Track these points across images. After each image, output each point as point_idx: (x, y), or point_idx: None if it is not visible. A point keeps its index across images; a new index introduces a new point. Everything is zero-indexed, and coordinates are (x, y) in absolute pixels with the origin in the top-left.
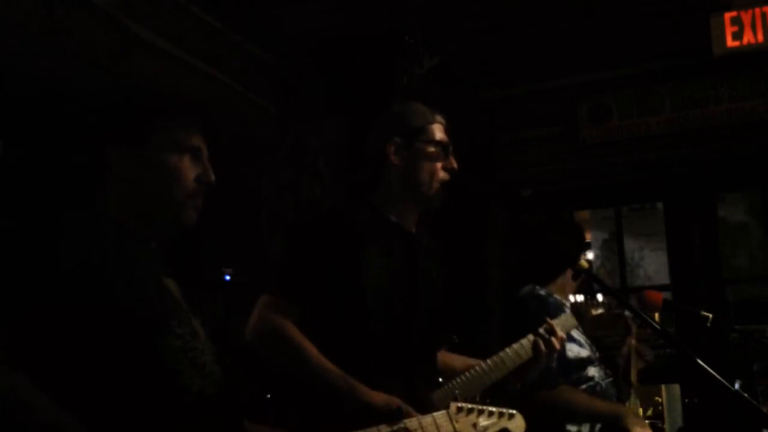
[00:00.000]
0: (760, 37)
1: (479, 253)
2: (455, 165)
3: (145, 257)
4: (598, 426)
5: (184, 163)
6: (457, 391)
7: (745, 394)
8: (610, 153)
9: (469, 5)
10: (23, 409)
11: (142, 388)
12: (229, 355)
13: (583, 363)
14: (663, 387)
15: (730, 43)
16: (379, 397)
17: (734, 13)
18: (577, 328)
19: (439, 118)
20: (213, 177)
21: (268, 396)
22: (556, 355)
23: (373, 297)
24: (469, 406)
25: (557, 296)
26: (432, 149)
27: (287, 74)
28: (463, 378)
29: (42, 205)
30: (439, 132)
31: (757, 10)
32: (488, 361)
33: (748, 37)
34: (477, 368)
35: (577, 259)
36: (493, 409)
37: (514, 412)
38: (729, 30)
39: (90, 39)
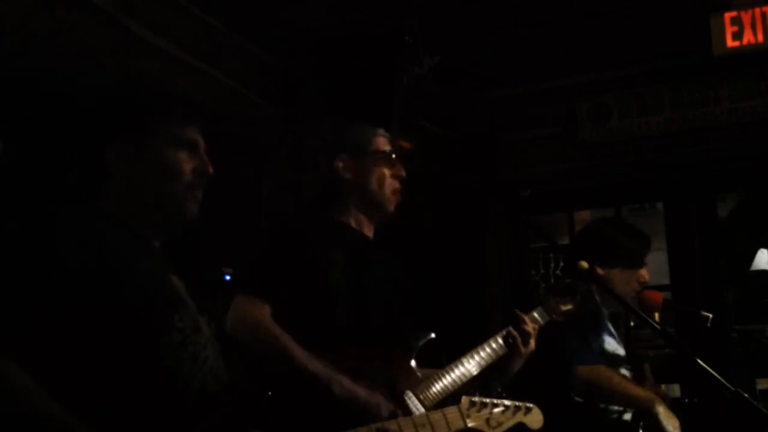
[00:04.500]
0: (760, 37)
1: (479, 253)
2: (403, 172)
3: (147, 255)
4: (627, 412)
5: (181, 156)
6: (437, 388)
7: (746, 395)
8: (610, 153)
9: (469, 5)
10: (16, 400)
11: (142, 383)
12: (233, 353)
13: (618, 360)
14: (663, 387)
15: (730, 43)
16: (362, 389)
17: (734, 13)
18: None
19: (380, 131)
20: (210, 169)
21: (269, 393)
22: (530, 348)
23: (336, 297)
24: (483, 400)
25: (597, 297)
26: (379, 160)
27: (287, 74)
28: (444, 376)
29: (42, 205)
30: (383, 144)
31: (757, 10)
32: (463, 359)
33: (748, 37)
34: (454, 367)
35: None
36: (509, 402)
37: (531, 405)
38: (729, 30)
39: (90, 39)
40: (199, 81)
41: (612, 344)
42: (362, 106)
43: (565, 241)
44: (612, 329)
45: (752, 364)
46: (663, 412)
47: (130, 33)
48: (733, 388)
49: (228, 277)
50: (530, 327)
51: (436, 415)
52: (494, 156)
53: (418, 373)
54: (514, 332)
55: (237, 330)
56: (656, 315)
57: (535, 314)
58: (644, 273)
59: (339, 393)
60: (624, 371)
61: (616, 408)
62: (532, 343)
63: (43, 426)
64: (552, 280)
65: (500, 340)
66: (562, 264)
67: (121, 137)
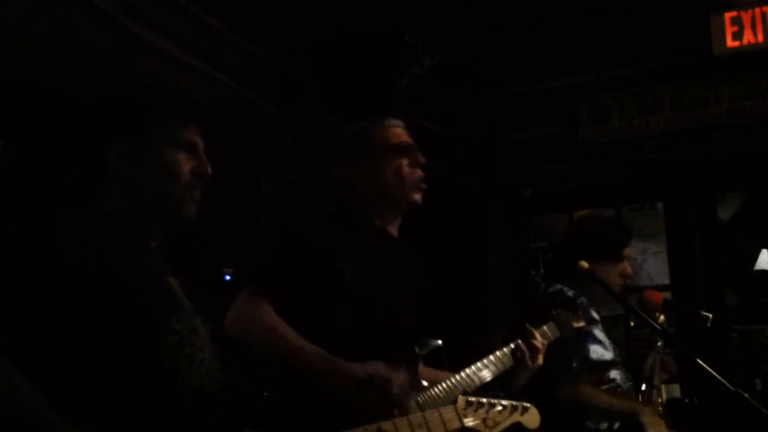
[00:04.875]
0: (760, 37)
1: (479, 253)
2: (421, 159)
3: (145, 255)
4: (616, 424)
5: (180, 156)
6: (442, 394)
7: (745, 394)
8: (610, 153)
9: (469, 5)
10: (5, 401)
11: (140, 385)
12: (229, 354)
13: (605, 365)
14: (663, 387)
15: (730, 43)
16: (359, 368)
17: (734, 13)
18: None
19: (393, 122)
20: (209, 169)
21: (265, 394)
22: (537, 363)
23: (351, 297)
24: (480, 399)
25: (584, 298)
26: (393, 154)
27: (287, 74)
28: (446, 384)
29: (42, 205)
30: (393, 136)
31: (757, 10)
32: (469, 369)
33: (748, 37)
34: (458, 376)
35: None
36: (506, 402)
37: (528, 405)
38: (729, 30)
39: (90, 39)
40: (199, 81)
41: (598, 351)
42: (362, 107)
43: None
44: (598, 335)
45: (752, 364)
46: (648, 421)
47: (130, 33)
48: (733, 388)
49: (228, 277)
50: (539, 342)
51: (433, 415)
52: (494, 156)
53: (423, 382)
54: (523, 346)
55: (232, 324)
56: (661, 316)
57: (546, 329)
58: (626, 266)
59: (336, 380)
60: (615, 374)
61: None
62: (540, 358)
63: (31, 428)
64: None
65: (508, 353)
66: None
67: (121, 137)
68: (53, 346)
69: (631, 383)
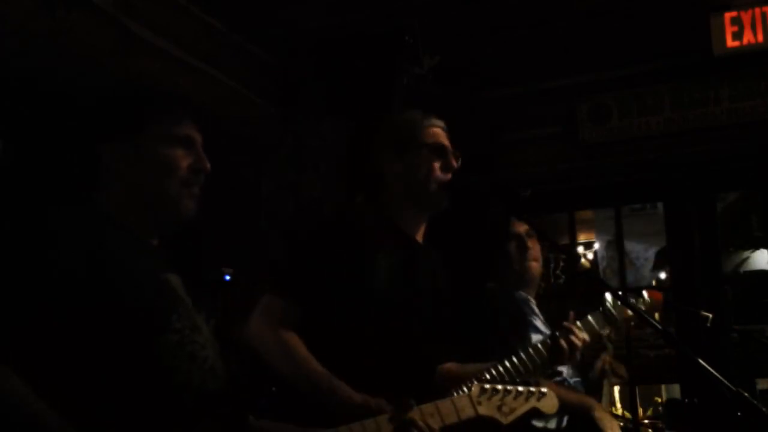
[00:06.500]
0: (760, 37)
1: (479, 254)
2: (454, 164)
3: (145, 254)
4: (565, 419)
5: (177, 153)
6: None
7: (746, 394)
8: (610, 153)
9: (469, 5)
10: (10, 408)
11: (139, 384)
12: (231, 353)
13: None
14: (663, 387)
15: (730, 43)
16: (359, 397)
17: (734, 13)
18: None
19: (433, 122)
20: (207, 164)
21: (273, 389)
22: (573, 361)
23: (373, 303)
24: (495, 386)
25: (522, 292)
26: (426, 154)
27: (287, 74)
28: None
29: (41, 205)
30: (431, 136)
31: (757, 10)
32: (502, 364)
33: (748, 37)
34: (490, 371)
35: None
36: (521, 388)
37: (546, 390)
38: (729, 30)
39: (90, 39)
40: (199, 81)
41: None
42: (362, 107)
43: (565, 241)
44: (540, 326)
45: (752, 364)
46: (600, 414)
47: (130, 33)
48: (734, 388)
49: (228, 277)
50: (579, 339)
51: (445, 404)
52: (494, 156)
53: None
54: (561, 342)
55: (252, 340)
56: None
57: (591, 320)
58: None
59: (334, 404)
60: (562, 367)
61: (541, 425)
62: (577, 356)
63: (31, 429)
64: (552, 280)
65: (541, 349)
66: (562, 264)
67: (115, 137)
68: (52, 347)
69: (578, 379)
